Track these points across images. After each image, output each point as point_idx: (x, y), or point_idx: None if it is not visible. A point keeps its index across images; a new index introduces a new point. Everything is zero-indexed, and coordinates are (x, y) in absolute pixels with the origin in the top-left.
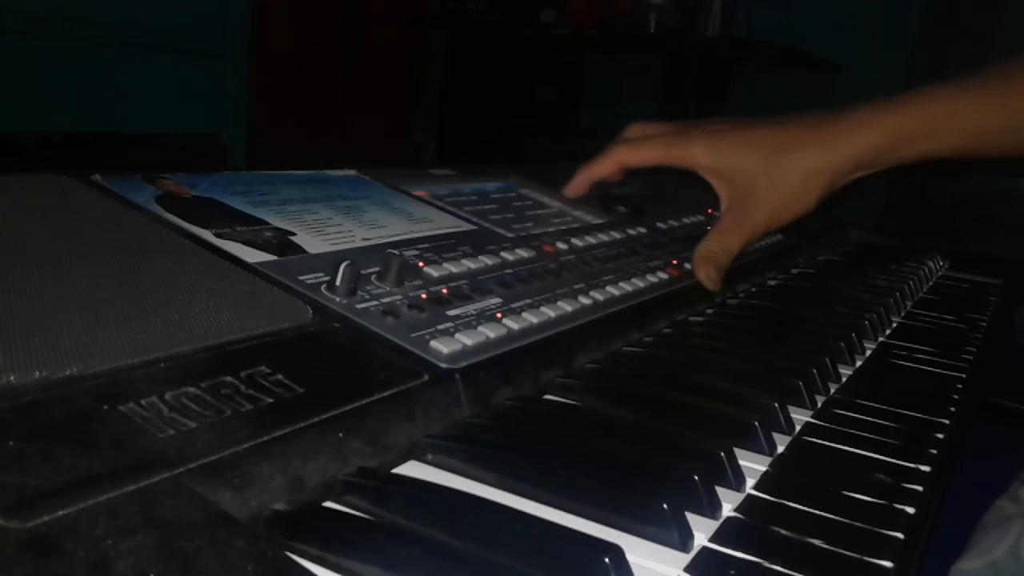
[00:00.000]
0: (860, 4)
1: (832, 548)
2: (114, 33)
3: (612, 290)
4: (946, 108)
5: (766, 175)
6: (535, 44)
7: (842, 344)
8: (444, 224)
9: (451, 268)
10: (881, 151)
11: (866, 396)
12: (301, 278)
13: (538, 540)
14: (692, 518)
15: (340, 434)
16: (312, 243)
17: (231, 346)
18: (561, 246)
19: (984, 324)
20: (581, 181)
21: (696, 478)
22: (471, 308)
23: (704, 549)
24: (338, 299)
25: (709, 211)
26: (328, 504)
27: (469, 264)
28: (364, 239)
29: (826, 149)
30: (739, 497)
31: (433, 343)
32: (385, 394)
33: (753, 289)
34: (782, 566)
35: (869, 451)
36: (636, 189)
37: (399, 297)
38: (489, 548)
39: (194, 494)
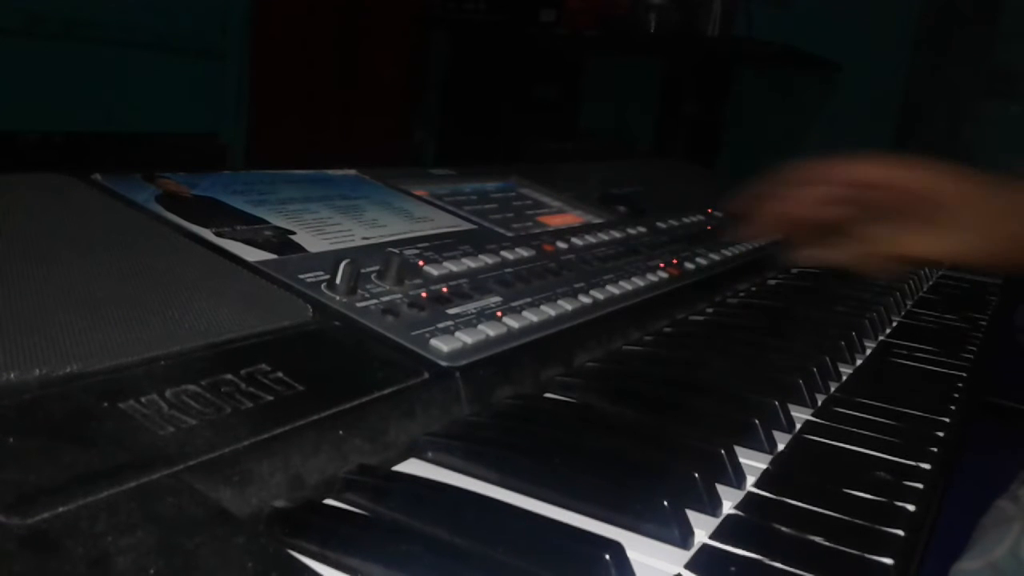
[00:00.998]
0: (860, 4)
1: (833, 545)
2: (114, 33)
3: (612, 289)
4: None
5: None
6: (535, 44)
7: (842, 343)
8: (444, 223)
9: (451, 267)
10: None
11: (867, 394)
12: (301, 277)
13: (539, 537)
14: (693, 515)
15: (340, 432)
16: (312, 242)
17: (231, 344)
18: (561, 245)
19: (984, 324)
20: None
21: (697, 476)
22: (471, 307)
23: (705, 546)
24: (338, 297)
25: (709, 211)
26: (328, 501)
27: (469, 263)
28: (364, 238)
29: None
30: (740, 495)
31: (433, 341)
32: (385, 392)
33: (753, 289)
34: (782, 563)
35: (869, 449)
36: (636, 189)
37: (399, 296)
38: (490, 545)
39: (194, 491)
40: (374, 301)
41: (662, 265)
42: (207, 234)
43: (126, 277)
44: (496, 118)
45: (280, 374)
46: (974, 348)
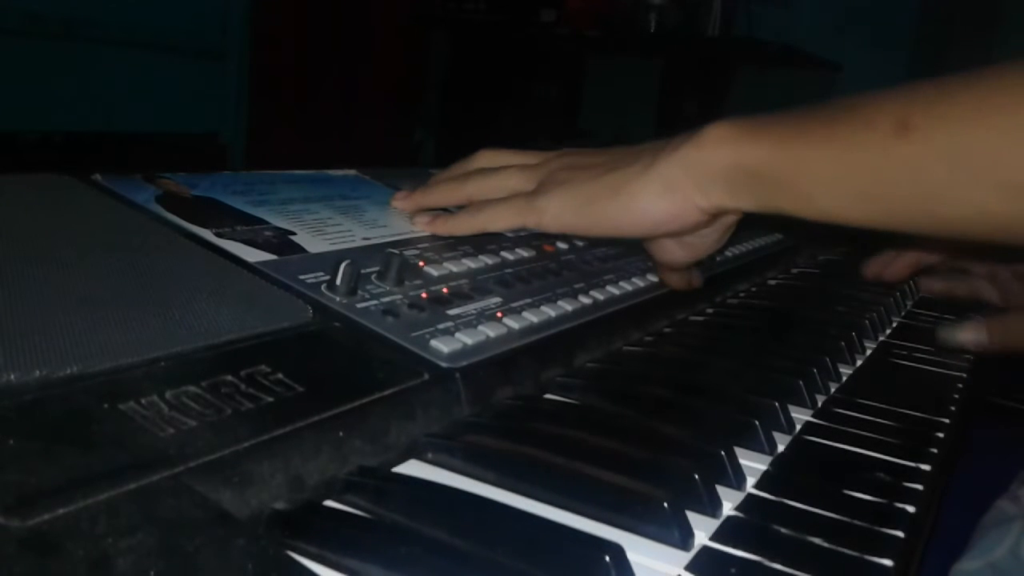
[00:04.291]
0: (860, 4)
1: (832, 547)
2: (114, 33)
3: (612, 289)
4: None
5: None
6: (535, 44)
7: (842, 343)
8: None
9: (451, 267)
10: None
11: (866, 395)
12: (301, 277)
13: (539, 539)
14: (693, 517)
15: (340, 433)
16: (312, 242)
17: (231, 345)
18: (561, 245)
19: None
20: (435, 228)
21: (697, 477)
22: (471, 307)
23: (705, 548)
24: (338, 298)
25: None
26: (328, 503)
27: (469, 263)
28: (364, 238)
29: None
30: (740, 496)
31: (433, 342)
32: (385, 393)
33: (753, 289)
34: (783, 565)
35: (869, 450)
36: None
37: (399, 296)
38: (490, 547)
39: (194, 493)
40: (374, 302)
41: None
42: (207, 234)
43: (126, 277)
44: (496, 118)
45: (280, 375)
46: (973, 337)
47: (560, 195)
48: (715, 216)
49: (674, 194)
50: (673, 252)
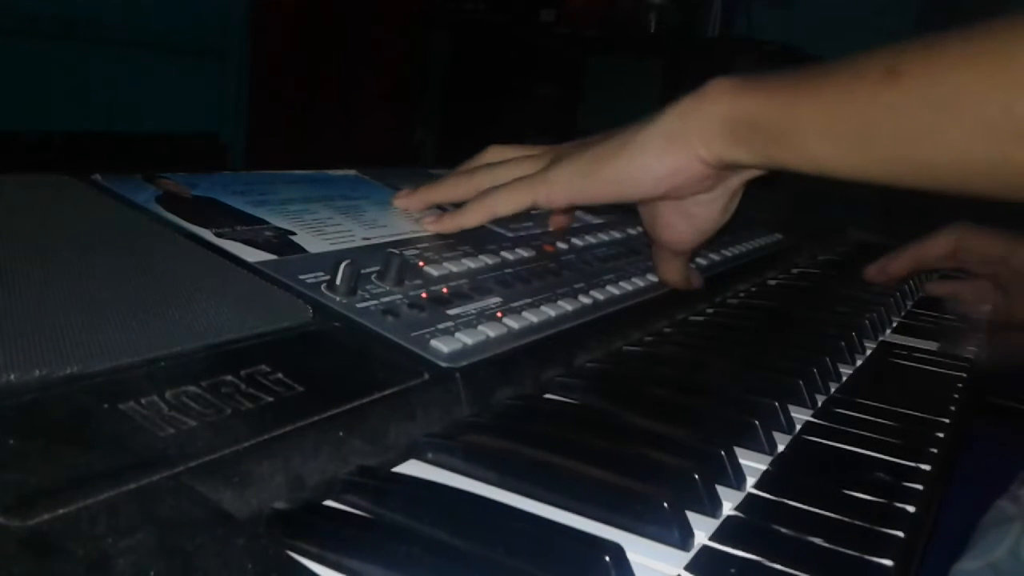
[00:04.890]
0: (860, 4)
1: (832, 547)
2: (114, 33)
3: (612, 289)
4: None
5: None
6: (535, 44)
7: (842, 343)
8: None
9: (451, 267)
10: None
11: (866, 395)
12: (301, 277)
13: (538, 539)
14: (693, 517)
15: (340, 433)
16: (312, 242)
17: (231, 345)
18: (561, 245)
19: (985, 323)
20: (443, 226)
21: (697, 477)
22: (471, 307)
23: (705, 548)
24: (338, 298)
25: None
26: (328, 503)
27: (469, 263)
28: (364, 239)
29: None
30: (740, 496)
31: (433, 342)
32: (385, 393)
33: (753, 289)
34: (783, 565)
35: (869, 450)
36: None
37: (399, 296)
38: (489, 547)
39: (194, 493)
40: (374, 302)
41: None
42: (207, 234)
43: (126, 277)
44: (496, 118)
45: (280, 375)
46: (974, 348)
47: (566, 166)
48: (718, 174)
49: (676, 146)
50: (676, 226)
